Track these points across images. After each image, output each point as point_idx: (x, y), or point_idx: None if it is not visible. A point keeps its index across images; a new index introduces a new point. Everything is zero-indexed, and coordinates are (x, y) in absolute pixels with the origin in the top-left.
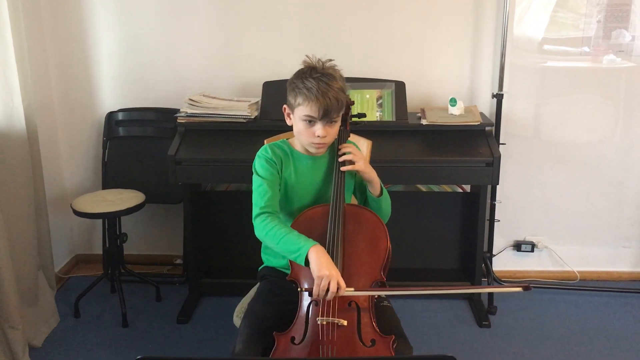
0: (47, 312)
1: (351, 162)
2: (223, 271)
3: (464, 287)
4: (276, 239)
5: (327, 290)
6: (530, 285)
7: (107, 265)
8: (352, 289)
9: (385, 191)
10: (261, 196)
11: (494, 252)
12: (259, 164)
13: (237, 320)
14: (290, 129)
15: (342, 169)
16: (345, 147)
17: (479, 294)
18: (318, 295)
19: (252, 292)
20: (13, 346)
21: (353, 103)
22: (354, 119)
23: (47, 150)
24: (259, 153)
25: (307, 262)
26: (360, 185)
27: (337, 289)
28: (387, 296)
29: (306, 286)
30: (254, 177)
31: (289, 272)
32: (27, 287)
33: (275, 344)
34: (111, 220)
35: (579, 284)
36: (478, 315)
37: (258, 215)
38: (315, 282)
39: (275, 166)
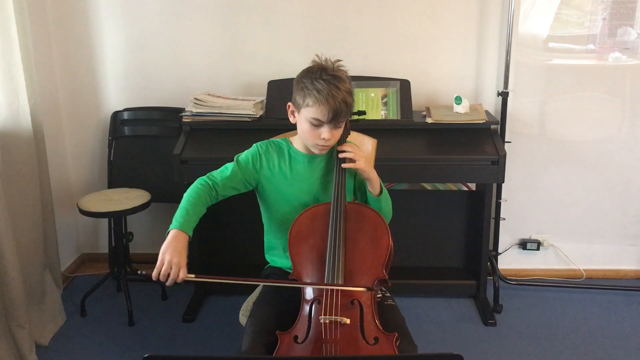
0: (53, 311)
1: (351, 161)
2: (228, 270)
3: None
4: (180, 203)
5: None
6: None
7: (113, 264)
8: (193, 275)
9: (385, 190)
10: (220, 172)
11: (499, 251)
12: (246, 152)
13: (242, 318)
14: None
15: (344, 166)
16: (345, 146)
17: (485, 291)
18: (159, 277)
19: (257, 291)
20: (20, 345)
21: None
22: (354, 117)
23: (53, 150)
24: (255, 144)
25: None
26: (361, 185)
27: (178, 275)
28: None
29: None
30: (234, 158)
31: (292, 271)
32: (34, 286)
33: (278, 343)
34: (117, 219)
35: (585, 282)
36: (484, 313)
37: (201, 178)
38: (158, 262)
39: (256, 164)
